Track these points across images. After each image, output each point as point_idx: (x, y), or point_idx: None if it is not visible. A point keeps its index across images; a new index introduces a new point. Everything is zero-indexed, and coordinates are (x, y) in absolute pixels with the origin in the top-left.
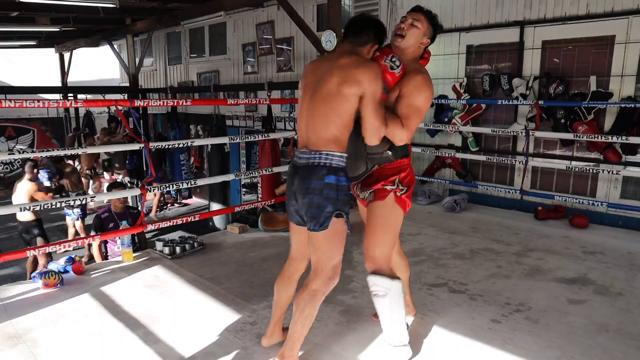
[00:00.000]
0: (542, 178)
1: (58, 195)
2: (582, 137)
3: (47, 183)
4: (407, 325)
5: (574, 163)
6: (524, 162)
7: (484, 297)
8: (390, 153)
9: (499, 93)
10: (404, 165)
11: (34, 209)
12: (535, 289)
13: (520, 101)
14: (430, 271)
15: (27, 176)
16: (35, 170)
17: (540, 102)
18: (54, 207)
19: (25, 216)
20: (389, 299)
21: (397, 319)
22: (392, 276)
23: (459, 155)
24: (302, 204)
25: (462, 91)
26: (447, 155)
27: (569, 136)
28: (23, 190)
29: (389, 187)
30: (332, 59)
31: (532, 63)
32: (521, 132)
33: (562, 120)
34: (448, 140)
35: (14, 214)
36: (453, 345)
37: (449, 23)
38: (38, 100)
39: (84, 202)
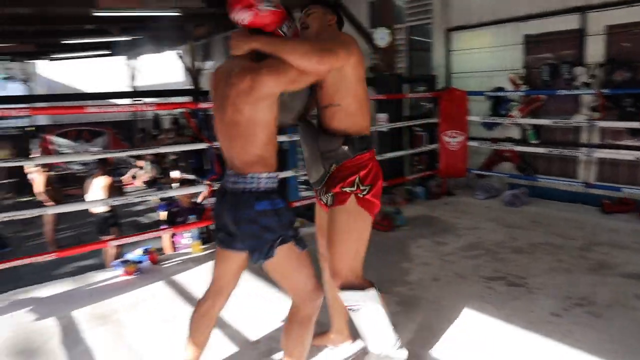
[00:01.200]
0: (608, 170)
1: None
2: None
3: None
4: (393, 327)
5: None
6: (587, 154)
7: (544, 291)
8: (346, 148)
9: (560, 83)
10: (365, 160)
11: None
12: (599, 284)
13: (582, 90)
14: (487, 265)
15: (99, 172)
16: (106, 167)
17: (604, 91)
18: (130, 202)
19: (100, 209)
20: (365, 311)
21: (379, 326)
22: (364, 286)
23: (518, 148)
24: (239, 233)
25: (520, 82)
26: (505, 148)
27: (636, 125)
28: (99, 185)
29: (348, 190)
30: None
31: (594, 50)
32: (584, 123)
33: (630, 109)
34: (506, 133)
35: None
36: (510, 337)
37: (504, 13)
38: (116, 105)
39: (157, 197)
